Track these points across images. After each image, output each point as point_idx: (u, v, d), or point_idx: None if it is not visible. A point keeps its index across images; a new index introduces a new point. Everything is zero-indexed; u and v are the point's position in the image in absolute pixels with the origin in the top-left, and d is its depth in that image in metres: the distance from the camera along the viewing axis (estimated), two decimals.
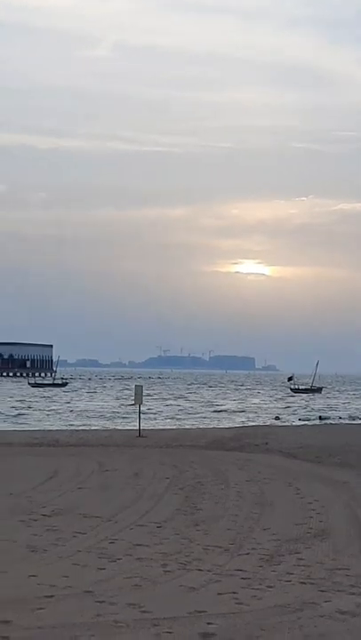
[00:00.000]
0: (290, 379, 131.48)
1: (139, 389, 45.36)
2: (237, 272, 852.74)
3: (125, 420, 62.27)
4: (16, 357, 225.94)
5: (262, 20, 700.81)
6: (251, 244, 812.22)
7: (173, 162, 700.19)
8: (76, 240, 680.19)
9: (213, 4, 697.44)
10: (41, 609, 11.06)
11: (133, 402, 48.36)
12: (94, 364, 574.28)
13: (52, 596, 11.67)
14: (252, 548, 15.30)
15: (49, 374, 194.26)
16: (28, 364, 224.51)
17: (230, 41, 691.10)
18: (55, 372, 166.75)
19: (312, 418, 69.08)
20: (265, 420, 66.23)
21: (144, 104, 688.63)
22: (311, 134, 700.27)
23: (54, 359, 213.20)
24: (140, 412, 47.10)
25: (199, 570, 13.54)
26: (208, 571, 13.48)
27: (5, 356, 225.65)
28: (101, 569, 13.47)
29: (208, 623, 10.59)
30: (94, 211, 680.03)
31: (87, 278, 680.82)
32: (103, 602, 11.44)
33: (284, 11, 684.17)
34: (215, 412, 78.71)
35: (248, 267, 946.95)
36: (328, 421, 64.27)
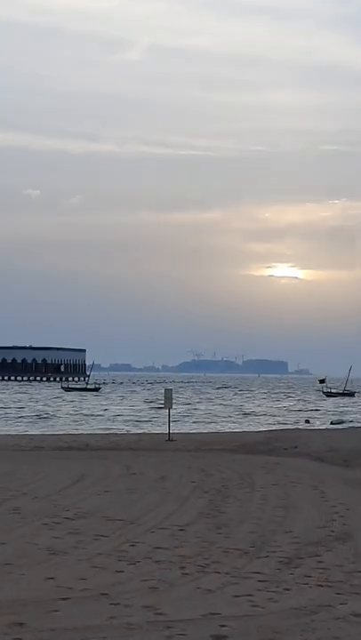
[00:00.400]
0: (322, 381, 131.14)
1: (168, 393, 45.42)
2: (270, 276, 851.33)
3: (155, 424, 62.38)
4: (49, 362, 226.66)
5: (294, 21, 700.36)
6: (283, 248, 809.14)
7: (206, 165, 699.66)
8: (109, 245, 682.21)
9: (245, 5, 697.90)
10: (55, 611, 11.10)
11: (163, 405, 48.46)
12: (127, 368, 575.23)
13: (67, 599, 11.71)
14: (272, 551, 15.29)
15: (82, 379, 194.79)
16: (62, 369, 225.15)
17: (262, 42, 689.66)
18: (89, 376, 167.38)
19: (344, 421, 68.88)
20: (295, 423, 66.14)
21: (177, 107, 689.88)
22: (344, 136, 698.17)
23: (88, 364, 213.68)
24: (169, 416, 47.17)
25: (217, 572, 13.55)
26: (226, 573, 13.49)
27: (39, 361, 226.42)
28: (119, 571, 13.50)
29: (221, 625, 10.59)
30: (127, 215, 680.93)
31: (120, 283, 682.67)
32: (118, 604, 11.47)
33: (317, 11, 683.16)
34: (245, 415, 78.73)
35: (281, 270, 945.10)
36: (357, 424, 64.03)
